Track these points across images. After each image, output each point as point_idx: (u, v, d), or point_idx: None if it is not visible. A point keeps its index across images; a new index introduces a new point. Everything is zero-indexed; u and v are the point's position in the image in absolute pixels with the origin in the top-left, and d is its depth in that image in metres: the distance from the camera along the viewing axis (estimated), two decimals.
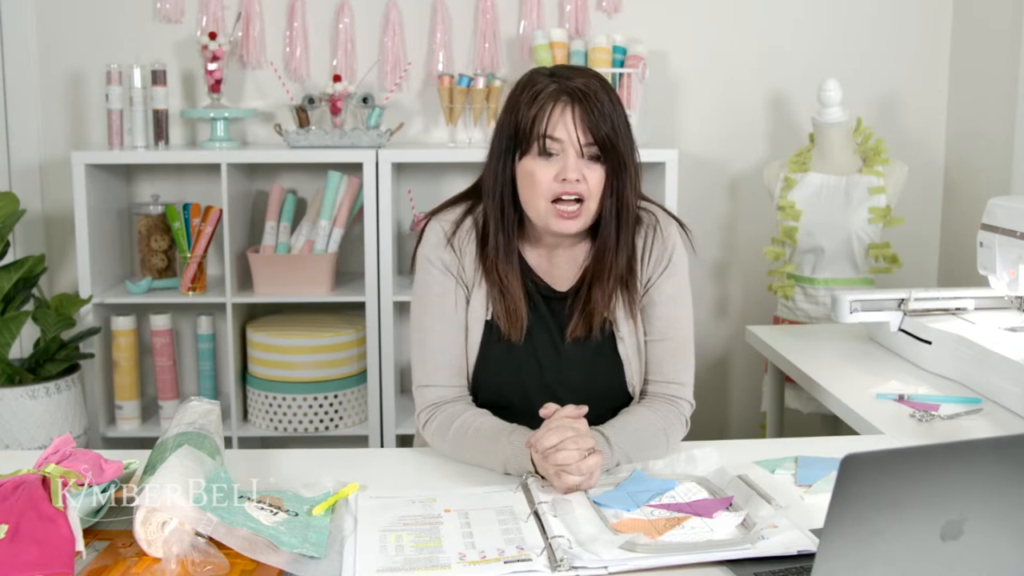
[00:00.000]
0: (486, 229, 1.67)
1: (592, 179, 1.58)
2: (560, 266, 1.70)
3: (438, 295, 1.68)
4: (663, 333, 1.69)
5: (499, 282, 1.66)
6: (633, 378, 1.69)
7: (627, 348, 1.68)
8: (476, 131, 2.97)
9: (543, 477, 1.48)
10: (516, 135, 1.60)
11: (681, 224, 1.74)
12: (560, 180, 1.57)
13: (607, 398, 1.68)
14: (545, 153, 1.58)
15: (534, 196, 1.59)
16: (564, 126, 1.56)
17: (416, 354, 1.70)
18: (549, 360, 1.68)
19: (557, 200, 1.58)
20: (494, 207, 1.65)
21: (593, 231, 1.67)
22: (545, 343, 1.68)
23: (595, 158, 1.58)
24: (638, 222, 1.70)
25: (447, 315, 1.68)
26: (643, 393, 1.71)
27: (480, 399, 1.70)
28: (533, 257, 1.71)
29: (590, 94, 1.57)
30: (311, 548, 1.26)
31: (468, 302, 1.68)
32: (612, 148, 1.58)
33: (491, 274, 1.66)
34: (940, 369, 2.07)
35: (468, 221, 1.70)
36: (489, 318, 1.67)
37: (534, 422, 1.54)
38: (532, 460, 1.49)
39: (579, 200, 1.59)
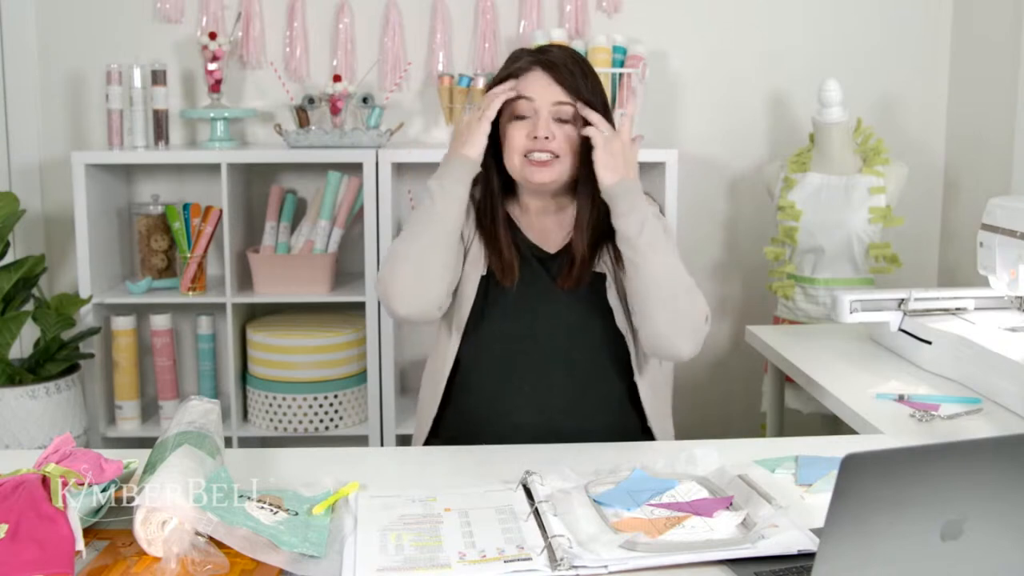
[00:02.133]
0: (482, 192, 1.83)
1: (564, 138, 1.73)
2: (552, 230, 1.83)
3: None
4: None
5: (489, 230, 1.80)
6: (622, 321, 1.79)
7: (613, 296, 1.79)
8: None
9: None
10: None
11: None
12: (531, 138, 1.72)
13: (601, 342, 1.79)
14: (519, 115, 1.73)
15: (510, 153, 1.75)
16: (533, 87, 1.73)
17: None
18: (543, 308, 1.79)
19: (530, 154, 1.73)
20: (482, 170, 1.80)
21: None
22: (538, 293, 1.79)
23: (566, 119, 1.73)
24: None
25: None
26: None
27: (482, 353, 1.79)
28: (525, 221, 1.85)
29: (559, 63, 1.73)
30: (311, 547, 1.26)
31: (465, 257, 1.80)
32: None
33: (483, 226, 1.81)
34: (940, 369, 2.07)
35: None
36: (485, 272, 1.79)
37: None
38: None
39: (554, 156, 1.73)
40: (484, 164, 1.79)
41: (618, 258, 1.76)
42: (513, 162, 1.75)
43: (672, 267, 1.71)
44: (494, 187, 1.81)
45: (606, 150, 1.69)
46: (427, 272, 1.71)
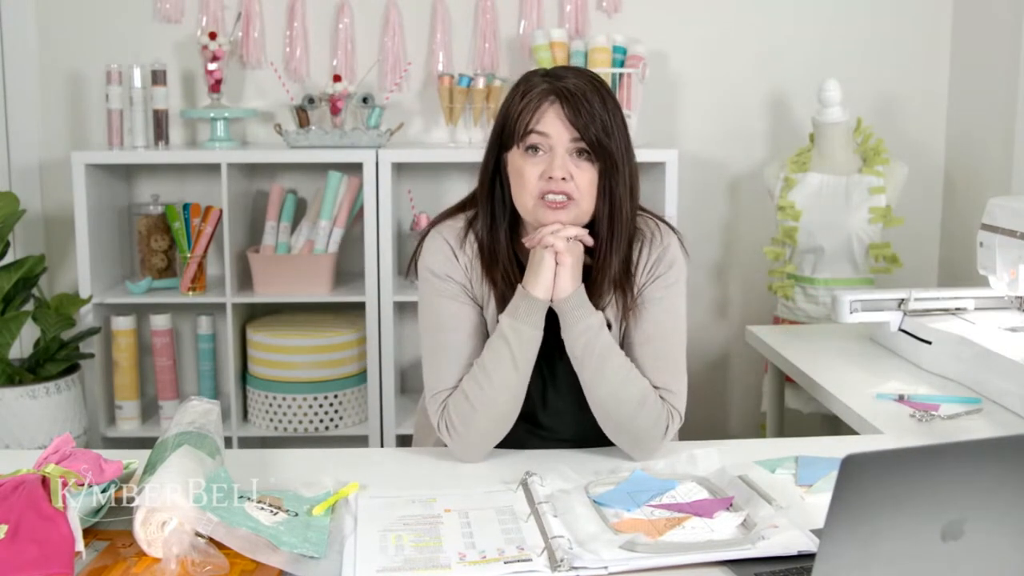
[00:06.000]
0: (483, 230, 1.65)
1: (582, 179, 1.54)
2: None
3: (450, 305, 1.64)
4: (649, 335, 1.63)
5: (502, 272, 1.62)
6: None
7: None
8: (476, 131, 2.97)
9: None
10: (503, 129, 1.59)
11: (679, 239, 1.70)
12: (546, 178, 1.54)
13: None
14: (532, 149, 1.55)
15: (522, 192, 1.57)
16: (550, 123, 1.54)
17: (431, 364, 1.65)
18: (548, 368, 1.65)
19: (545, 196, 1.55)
20: (483, 198, 1.64)
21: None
22: (543, 352, 1.62)
23: (584, 157, 1.55)
24: (639, 233, 1.66)
25: (461, 322, 1.64)
26: None
27: None
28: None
29: (578, 93, 1.53)
30: (311, 548, 1.26)
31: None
32: (602, 148, 1.54)
33: (492, 270, 1.63)
34: (940, 369, 2.07)
35: (471, 236, 1.66)
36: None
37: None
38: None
39: (570, 198, 1.55)
40: (489, 195, 1.64)
41: (624, 310, 1.63)
42: (525, 203, 1.57)
43: (615, 391, 1.57)
44: (502, 225, 1.64)
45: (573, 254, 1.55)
46: (506, 420, 1.60)
